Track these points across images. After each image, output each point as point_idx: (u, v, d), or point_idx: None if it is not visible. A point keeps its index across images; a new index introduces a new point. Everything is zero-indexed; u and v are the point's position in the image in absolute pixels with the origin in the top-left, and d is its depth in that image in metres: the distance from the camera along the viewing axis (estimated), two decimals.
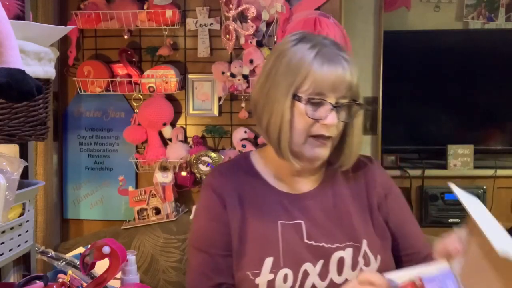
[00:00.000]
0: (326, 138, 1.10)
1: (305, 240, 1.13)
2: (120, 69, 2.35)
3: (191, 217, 2.24)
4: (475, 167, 2.81)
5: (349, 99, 1.11)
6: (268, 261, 1.10)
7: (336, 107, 1.08)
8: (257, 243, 1.12)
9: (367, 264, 1.12)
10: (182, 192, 2.40)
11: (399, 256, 1.20)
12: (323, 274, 1.10)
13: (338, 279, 1.10)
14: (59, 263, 1.39)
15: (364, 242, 1.14)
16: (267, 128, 1.12)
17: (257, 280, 1.09)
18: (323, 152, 1.12)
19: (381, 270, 1.11)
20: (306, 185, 1.20)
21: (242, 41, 2.23)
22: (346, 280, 1.10)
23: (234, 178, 1.19)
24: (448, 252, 0.95)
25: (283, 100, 1.08)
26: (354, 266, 1.12)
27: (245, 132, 2.33)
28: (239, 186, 1.18)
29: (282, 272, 1.09)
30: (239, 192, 1.17)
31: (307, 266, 1.10)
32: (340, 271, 1.11)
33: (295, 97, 1.08)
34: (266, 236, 1.13)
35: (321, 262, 1.11)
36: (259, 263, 1.10)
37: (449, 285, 0.90)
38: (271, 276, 1.09)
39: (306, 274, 1.10)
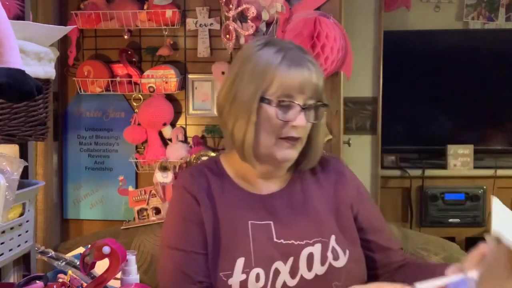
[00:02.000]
0: (295, 139, 1.12)
1: (275, 240, 1.14)
2: (120, 69, 2.35)
3: None
4: (475, 167, 2.81)
5: (316, 100, 1.13)
6: (240, 262, 1.11)
7: (305, 108, 1.10)
8: (228, 244, 1.13)
9: (335, 258, 1.14)
10: None
11: (370, 252, 1.23)
12: (293, 271, 1.12)
13: (308, 275, 1.12)
14: (59, 263, 1.39)
15: (332, 237, 1.16)
16: (232, 132, 1.14)
17: (230, 281, 1.10)
18: (293, 153, 1.14)
19: (350, 264, 1.15)
20: (274, 186, 1.21)
21: (242, 41, 2.23)
22: (316, 275, 1.12)
23: (204, 180, 1.20)
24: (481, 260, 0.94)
25: (250, 103, 1.10)
26: (323, 261, 1.13)
27: None
28: (209, 187, 1.19)
29: (254, 271, 1.10)
30: (210, 194, 1.18)
31: (278, 264, 1.11)
32: (309, 266, 1.13)
33: (264, 100, 1.10)
34: (237, 236, 1.14)
35: (291, 259, 1.12)
36: (231, 264, 1.11)
37: None
38: (243, 276, 1.10)
39: (277, 272, 1.11)
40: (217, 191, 1.19)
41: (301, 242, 1.14)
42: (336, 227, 1.18)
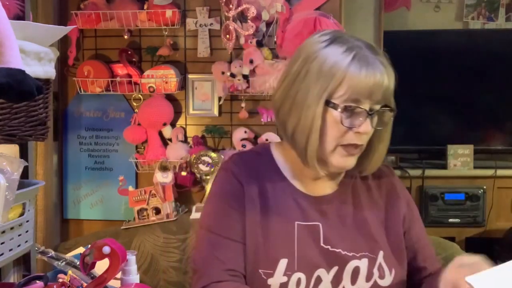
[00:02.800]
0: (356, 147, 1.05)
1: (322, 244, 1.08)
2: (120, 69, 2.35)
3: (192, 217, 2.25)
4: (475, 167, 2.81)
5: (382, 105, 1.06)
6: (283, 263, 1.06)
7: (371, 114, 1.03)
8: (272, 242, 1.07)
9: (381, 276, 1.09)
10: (182, 192, 2.40)
11: (413, 270, 1.17)
12: (336, 282, 1.07)
13: None
14: (59, 263, 1.39)
15: (381, 253, 1.10)
16: (293, 133, 1.06)
17: (270, 281, 1.05)
18: (351, 162, 1.07)
19: (395, 284, 1.09)
20: (324, 188, 1.15)
21: (242, 41, 2.23)
22: None
23: (255, 169, 1.13)
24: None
25: (315, 105, 1.02)
26: (369, 277, 1.08)
27: (245, 132, 2.33)
28: (259, 177, 1.12)
29: (296, 276, 1.05)
30: (259, 184, 1.11)
31: (321, 272, 1.06)
32: (353, 280, 1.07)
33: (329, 104, 1.02)
34: (282, 236, 1.08)
35: (335, 269, 1.07)
36: (273, 263, 1.06)
37: None
38: (285, 278, 1.05)
39: (319, 280, 1.06)
40: (267, 183, 1.12)
41: (348, 253, 1.08)
42: (386, 243, 1.12)
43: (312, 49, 1.06)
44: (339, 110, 1.02)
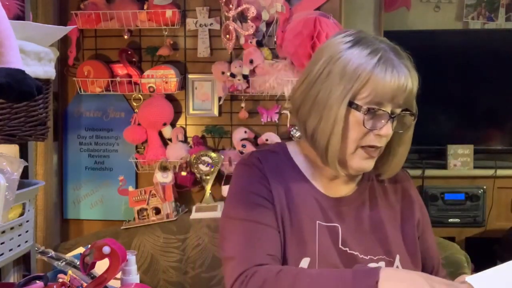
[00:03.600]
0: (375, 150, 1.05)
1: (340, 246, 1.07)
2: (120, 69, 2.36)
3: (192, 217, 2.25)
4: (475, 167, 2.81)
5: (403, 108, 1.06)
6: (305, 262, 1.04)
7: (393, 117, 1.03)
8: (295, 240, 1.06)
9: None
10: (182, 192, 2.40)
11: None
12: None
13: None
14: (59, 263, 1.39)
15: (397, 257, 1.09)
16: (313, 133, 1.06)
17: None
18: (370, 164, 1.07)
19: None
20: (341, 189, 1.14)
21: (242, 41, 2.23)
22: None
23: (276, 166, 1.12)
24: None
25: (337, 106, 1.01)
26: None
27: (245, 132, 2.33)
28: (281, 175, 1.11)
29: None
30: (282, 181, 1.10)
31: None
32: None
33: (352, 105, 1.02)
34: (304, 234, 1.06)
35: None
36: (296, 261, 1.04)
37: None
38: None
39: None
40: (289, 181, 1.11)
41: (365, 257, 1.08)
42: (403, 247, 1.12)
43: (336, 49, 1.05)
44: (362, 111, 1.02)
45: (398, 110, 1.05)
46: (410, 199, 1.18)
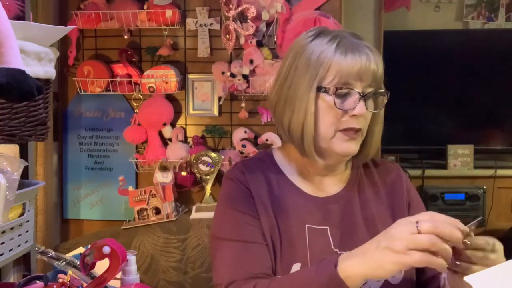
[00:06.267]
0: (355, 131, 1.06)
1: (332, 247, 1.08)
2: (120, 69, 2.36)
3: (192, 217, 2.25)
4: (475, 167, 2.81)
5: (375, 88, 1.07)
6: (296, 267, 1.05)
7: (364, 96, 1.04)
8: (285, 247, 1.07)
9: None
10: (182, 192, 2.40)
11: (417, 271, 1.16)
12: None
13: None
14: (59, 263, 1.39)
15: None
16: (289, 127, 1.08)
17: None
18: (353, 147, 1.07)
19: (404, 282, 1.09)
20: (331, 186, 1.15)
21: (242, 41, 2.23)
22: None
23: (260, 173, 1.14)
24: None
25: (307, 94, 1.05)
26: None
27: (245, 132, 2.34)
28: (265, 181, 1.13)
29: None
30: (266, 188, 1.12)
31: None
32: None
33: (321, 89, 1.04)
34: (294, 240, 1.07)
35: None
36: (286, 268, 1.05)
37: None
38: None
39: None
40: (275, 188, 1.12)
41: None
42: None
43: (300, 44, 1.10)
44: (331, 93, 1.04)
45: (368, 90, 1.06)
46: (400, 191, 1.19)
